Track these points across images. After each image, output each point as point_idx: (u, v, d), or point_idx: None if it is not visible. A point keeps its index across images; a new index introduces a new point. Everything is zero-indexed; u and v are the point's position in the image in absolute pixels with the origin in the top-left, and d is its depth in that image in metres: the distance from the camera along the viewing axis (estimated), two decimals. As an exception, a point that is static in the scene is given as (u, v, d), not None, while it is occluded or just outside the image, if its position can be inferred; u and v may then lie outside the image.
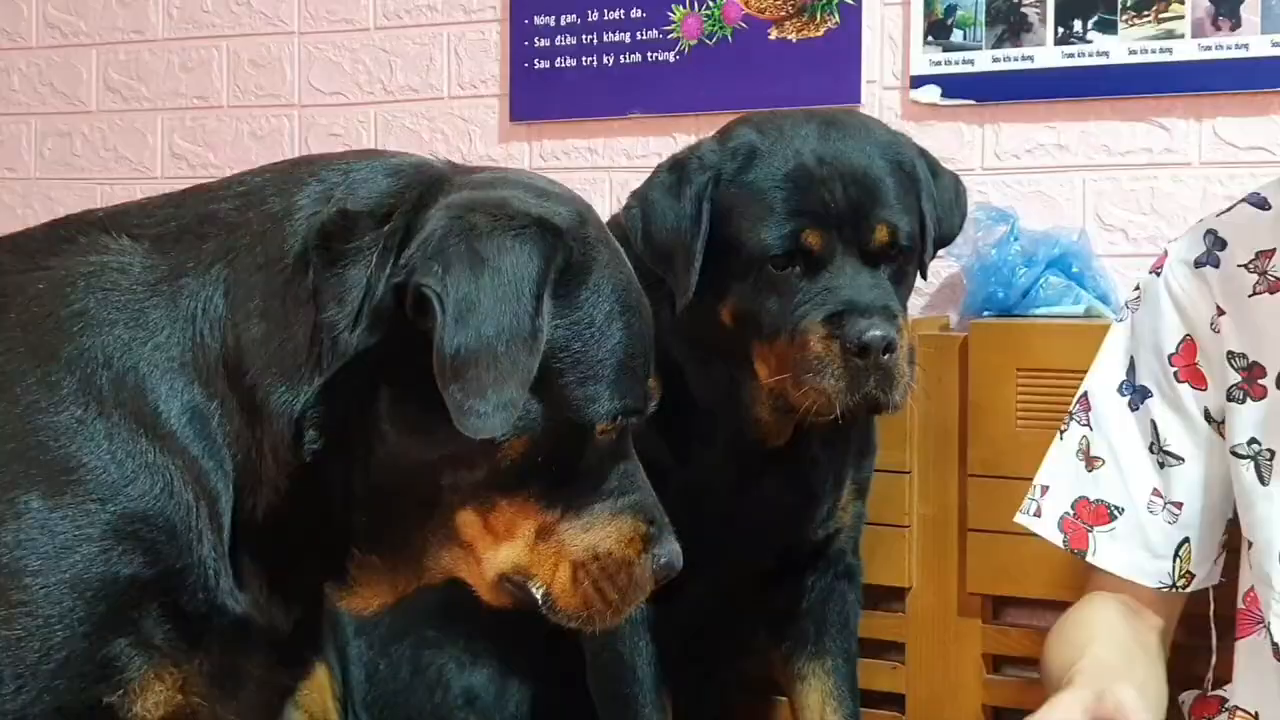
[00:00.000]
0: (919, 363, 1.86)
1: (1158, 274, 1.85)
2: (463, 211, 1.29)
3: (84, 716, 1.28)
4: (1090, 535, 1.85)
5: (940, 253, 2.36)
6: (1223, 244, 1.80)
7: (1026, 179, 2.47)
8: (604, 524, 1.36)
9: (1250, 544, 1.77)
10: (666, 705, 2.04)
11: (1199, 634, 1.94)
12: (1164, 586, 1.82)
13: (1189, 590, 1.84)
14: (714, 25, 2.64)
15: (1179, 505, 1.81)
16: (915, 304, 2.50)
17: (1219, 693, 1.88)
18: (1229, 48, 2.30)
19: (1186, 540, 1.81)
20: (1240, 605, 1.81)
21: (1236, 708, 1.81)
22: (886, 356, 1.79)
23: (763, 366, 1.86)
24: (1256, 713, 1.79)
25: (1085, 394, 1.89)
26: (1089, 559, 1.85)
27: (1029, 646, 2.26)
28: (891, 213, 1.86)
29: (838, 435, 2.01)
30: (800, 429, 1.93)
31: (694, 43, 2.67)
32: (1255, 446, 1.76)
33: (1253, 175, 2.17)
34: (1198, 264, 1.81)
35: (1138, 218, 2.40)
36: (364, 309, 1.29)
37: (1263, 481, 1.75)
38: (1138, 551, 1.82)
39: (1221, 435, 1.79)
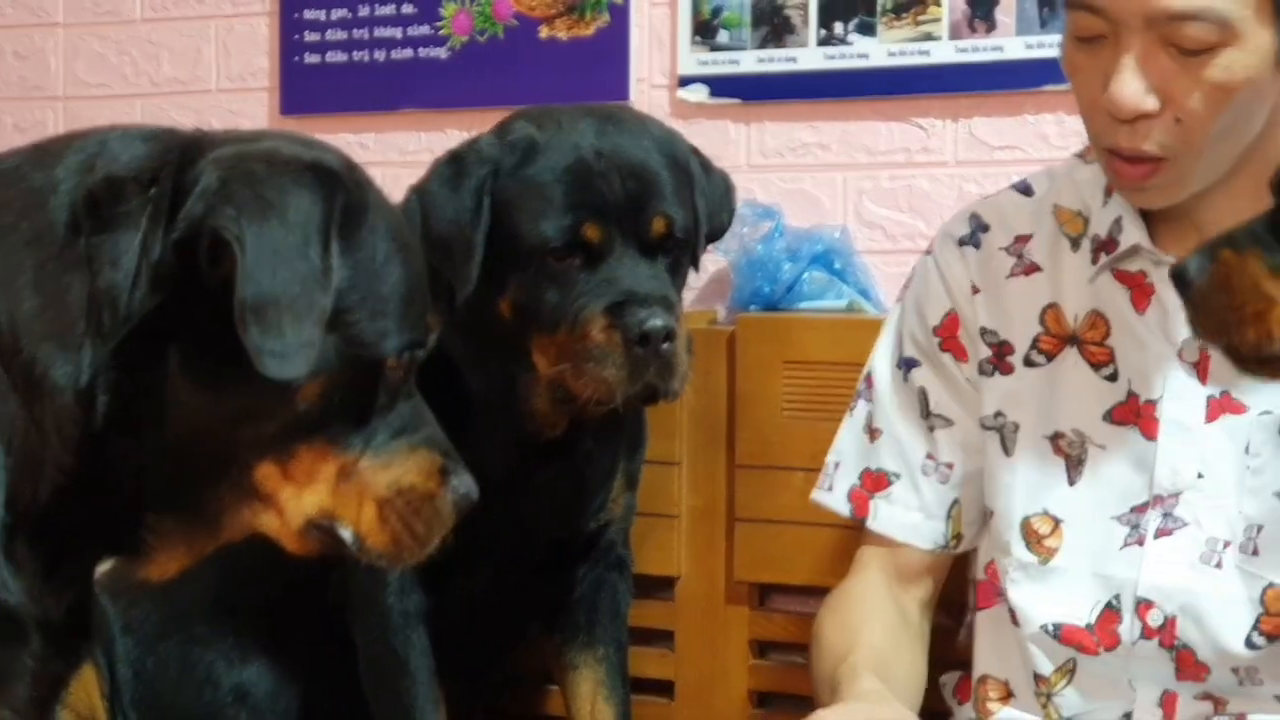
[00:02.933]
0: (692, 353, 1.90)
1: (930, 253, 1.91)
2: (236, 161, 1.29)
3: None
4: (871, 502, 1.92)
5: (708, 248, 2.41)
6: (985, 227, 1.88)
7: (790, 177, 2.52)
8: (403, 459, 1.38)
9: (992, 513, 1.84)
10: (439, 697, 2.04)
11: (958, 615, 2.01)
12: (938, 547, 1.89)
13: (959, 550, 1.91)
14: (485, 22, 2.66)
15: (950, 466, 1.88)
16: (684, 298, 2.53)
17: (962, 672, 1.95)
18: (984, 50, 2.38)
19: (957, 501, 1.88)
20: (981, 577, 1.88)
21: (987, 676, 1.88)
22: (666, 345, 1.83)
23: (542, 358, 1.88)
24: (1007, 680, 1.86)
25: (869, 373, 1.95)
26: (869, 524, 1.91)
27: (794, 632, 2.32)
28: (668, 205, 1.90)
29: (610, 427, 2.04)
30: (576, 421, 1.96)
31: (465, 39, 2.68)
32: (1001, 419, 1.83)
33: (1006, 174, 2.24)
34: (961, 243, 1.88)
35: (896, 215, 2.46)
36: (141, 270, 1.29)
37: (1006, 452, 1.82)
38: (914, 514, 1.89)
39: (976, 411, 1.86)
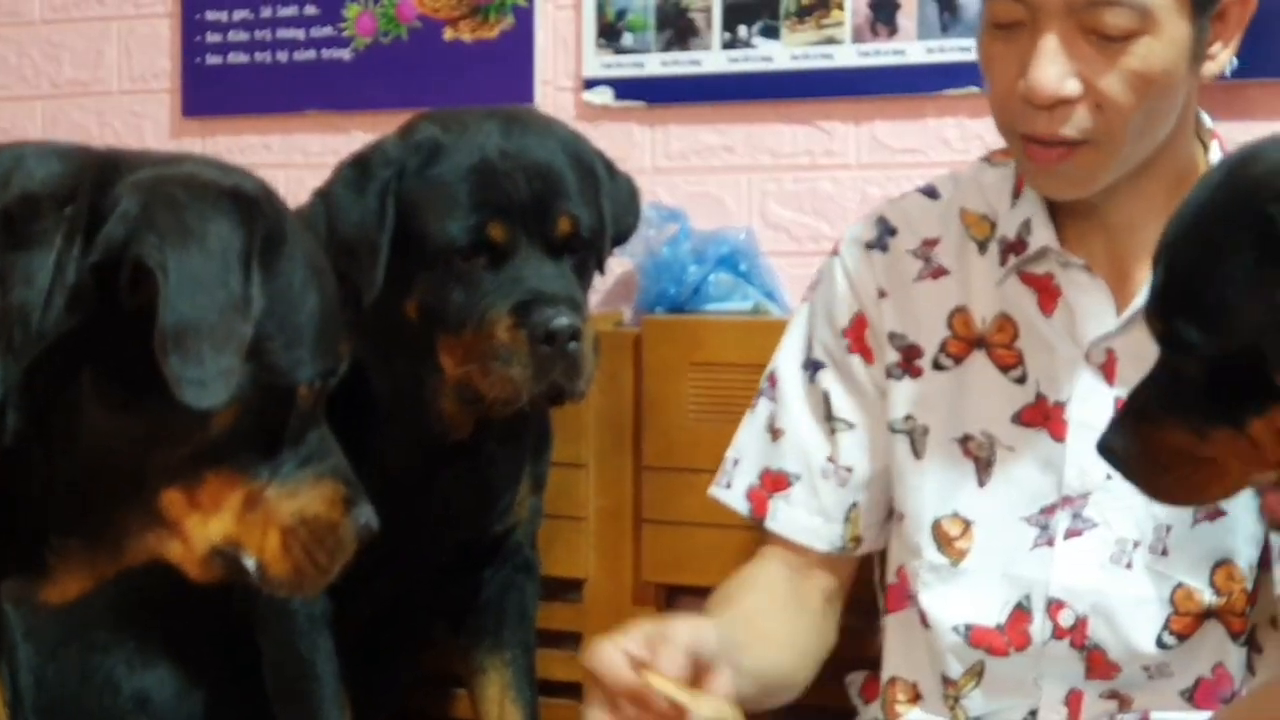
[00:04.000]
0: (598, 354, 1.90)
1: (837, 254, 1.92)
2: (156, 186, 1.28)
3: None
4: (770, 502, 1.92)
5: (615, 251, 2.41)
6: (893, 230, 1.89)
7: (695, 179, 2.53)
8: (309, 489, 1.37)
9: (902, 516, 1.85)
10: (346, 701, 2.03)
11: (866, 615, 2.02)
12: (835, 550, 1.90)
13: (858, 554, 1.92)
14: (388, 24, 2.65)
15: (849, 469, 1.88)
16: (590, 300, 2.53)
17: (869, 671, 1.97)
18: (886, 54, 2.40)
19: (856, 504, 1.89)
20: (892, 580, 1.90)
21: (896, 678, 1.89)
22: (573, 345, 1.83)
23: (448, 359, 1.88)
24: (916, 682, 1.87)
25: (773, 371, 1.95)
26: (767, 524, 1.92)
27: (701, 633, 2.33)
28: (574, 205, 1.91)
29: (516, 429, 2.04)
30: (481, 423, 1.96)
31: (369, 41, 2.67)
32: (910, 422, 1.84)
33: (908, 177, 2.26)
34: (868, 246, 1.89)
35: (800, 218, 2.48)
36: (55, 289, 1.28)
37: (916, 455, 1.83)
38: (812, 516, 1.89)
39: (882, 415, 1.88)
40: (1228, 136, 2.22)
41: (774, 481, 1.92)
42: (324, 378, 1.38)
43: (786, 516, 1.91)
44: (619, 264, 2.49)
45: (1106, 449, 1.43)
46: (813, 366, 1.91)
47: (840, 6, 2.42)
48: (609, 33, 2.53)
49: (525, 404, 1.86)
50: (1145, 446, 1.39)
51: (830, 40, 2.43)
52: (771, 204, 2.50)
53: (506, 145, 1.90)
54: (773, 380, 1.95)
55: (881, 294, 1.87)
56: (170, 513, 1.34)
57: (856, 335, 1.89)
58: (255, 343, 1.29)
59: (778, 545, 1.93)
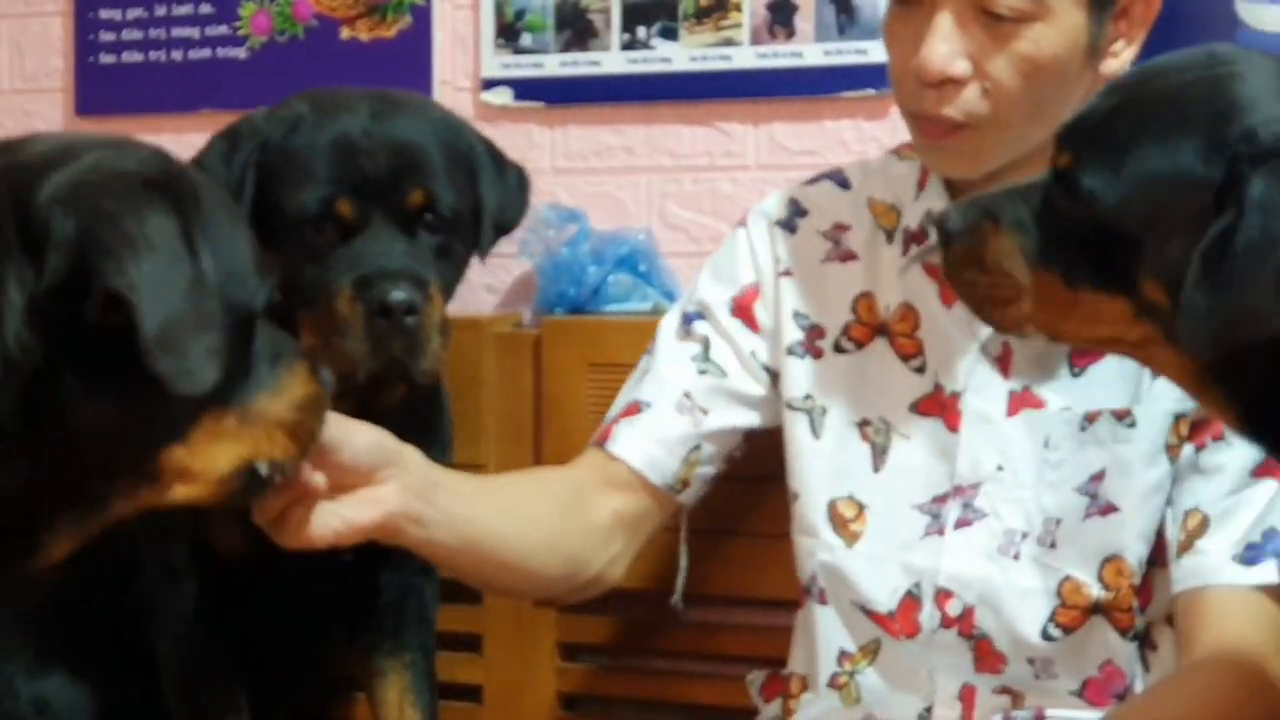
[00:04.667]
0: (452, 339, 1.91)
1: (744, 225, 1.93)
2: (79, 199, 1.29)
3: None
4: (615, 427, 1.90)
5: (513, 252, 2.41)
6: (804, 212, 1.91)
7: (595, 180, 2.53)
8: (288, 379, 1.42)
9: (797, 496, 1.86)
10: (243, 704, 2.02)
11: (768, 615, 2.03)
12: (664, 484, 1.88)
13: (679, 499, 1.90)
14: (284, 23, 2.63)
15: (705, 411, 1.88)
16: (488, 302, 2.54)
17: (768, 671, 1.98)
18: (784, 56, 2.41)
19: (699, 448, 1.88)
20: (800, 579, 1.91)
21: (792, 674, 1.91)
22: (410, 319, 1.82)
23: (307, 335, 1.87)
24: (807, 675, 1.89)
25: (657, 334, 1.96)
26: (608, 447, 1.89)
27: (603, 635, 2.34)
28: (432, 181, 1.90)
29: (409, 424, 2.02)
30: (370, 414, 1.94)
31: (265, 40, 2.65)
32: (810, 402, 1.85)
33: (806, 178, 2.26)
34: (778, 224, 1.90)
35: (700, 218, 2.48)
36: (7, 320, 1.28)
37: (815, 435, 1.85)
38: (653, 445, 1.88)
39: (756, 379, 1.88)
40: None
41: (627, 410, 1.91)
42: (272, 294, 1.42)
43: (626, 439, 1.89)
44: (517, 264, 2.50)
45: (940, 216, 1.44)
46: (694, 316, 1.92)
47: (738, 8, 2.43)
48: (508, 33, 2.53)
49: (362, 380, 1.84)
50: (974, 239, 1.40)
51: (728, 42, 2.44)
52: (671, 205, 2.50)
53: (371, 123, 1.90)
54: (655, 340, 1.96)
55: (786, 273, 1.88)
56: (175, 465, 1.35)
57: (746, 304, 1.90)
58: (218, 295, 1.33)
59: (599, 456, 1.90)
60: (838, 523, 1.83)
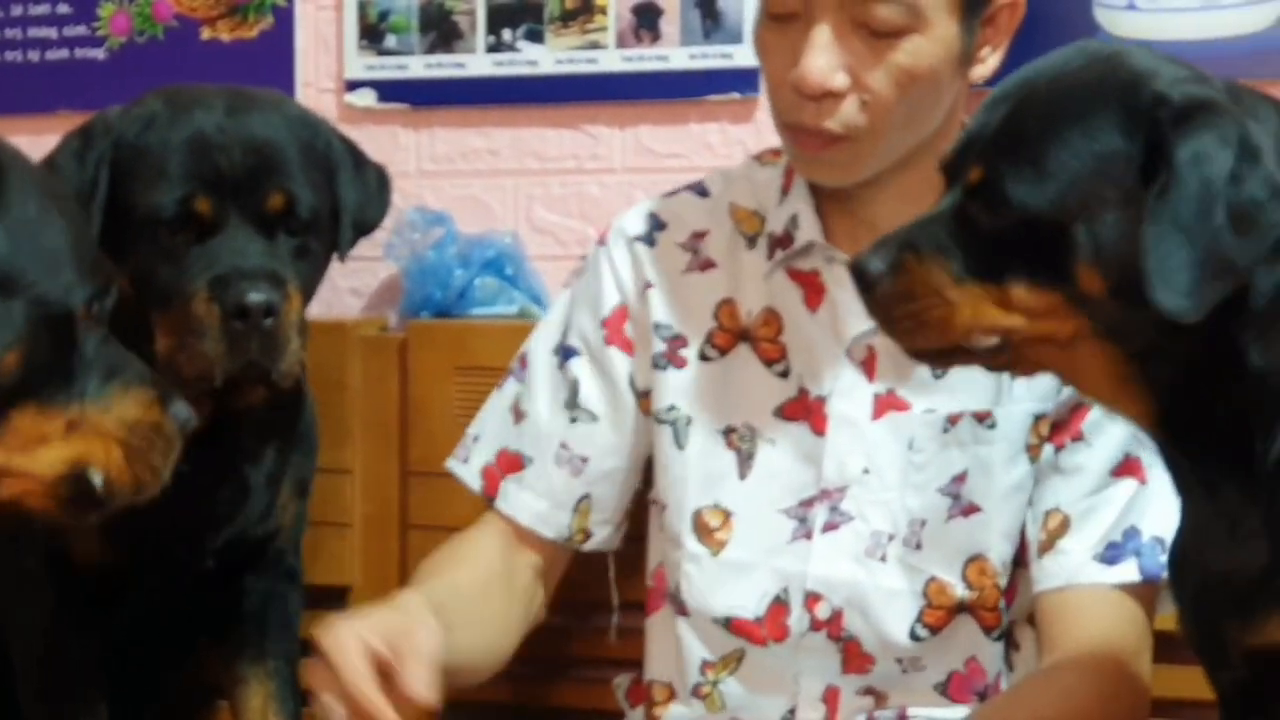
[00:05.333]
0: (307, 338, 1.89)
1: (603, 244, 1.93)
2: None
3: None
4: (502, 483, 1.91)
5: (379, 254, 2.40)
6: (662, 225, 1.90)
7: (461, 183, 2.52)
8: (120, 399, 1.39)
9: (664, 506, 1.86)
10: (103, 715, 1.99)
11: (636, 617, 2.02)
12: (561, 538, 1.90)
13: (586, 548, 1.91)
14: (144, 23, 2.60)
15: (584, 460, 1.88)
16: (353, 305, 2.53)
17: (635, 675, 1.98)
18: (650, 59, 2.42)
19: (588, 496, 1.89)
20: (650, 584, 1.91)
21: (654, 680, 1.90)
22: (269, 321, 1.80)
23: (162, 337, 1.85)
24: (670, 682, 1.89)
25: (525, 353, 1.95)
26: (497, 505, 1.91)
27: (469, 638, 2.32)
28: (290, 182, 1.88)
29: (271, 428, 2.01)
30: (230, 416, 1.92)
31: (124, 40, 2.61)
32: (674, 412, 1.85)
33: (673, 181, 2.25)
34: (636, 239, 1.90)
35: (567, 221, 2.48)
36: None
37: (679, 445, 1.85)
38: (540, 500, 1.89)
39: (641, 405, 1.88)
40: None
41: (509, 462, 1.91)
42: (98, 298, 1.39)
43: (516, 498, 1.90)
44: (383, 268, 2.48)
45: (858, 265, 1.44)
46: (565, 353, 1.91)
47: (603, 12, 2.43)
48: (371, 34, 2.51)
49: (218, 382, 1.82)
50: (899, 274, 1.41)
51: (594, 45, 2.44)
52: (537, 208, 2.50)
53: (227, 121, 1.88)
54: (523, 362, 1.95)
55: (648, 285, 1.88)
56: None
57: (616, 326, 1.89)
58: (10, 280, 1.30)
59: (499, 517, 1.91)
60: (702, 531, 1.83)
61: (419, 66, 2.50)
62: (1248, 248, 1.26)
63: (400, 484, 2.33)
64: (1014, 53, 2.26)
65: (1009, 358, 1.42)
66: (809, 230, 1.81)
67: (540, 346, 1.94)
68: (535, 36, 2.46)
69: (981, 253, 1.37)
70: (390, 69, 2.52)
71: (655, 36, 2.41)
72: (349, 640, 1.53)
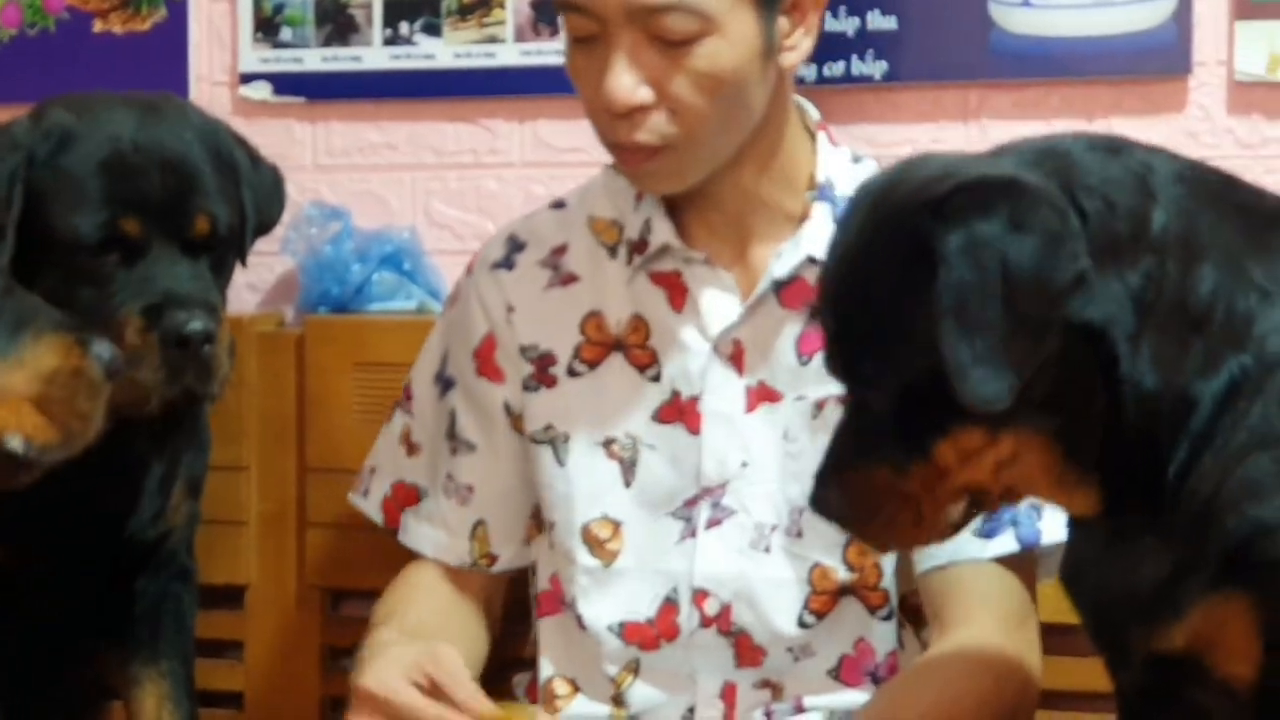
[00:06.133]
0: (236, 354, 1.89)
1: (470, 274, 1.93)
2: None
3: None
4: (402, 515, 1.94)
5: (275, 250, 2.38)
6: (521, 246, 1.91)
7: (358, 177, 2.51)
8: (35, 351, 1.35)
9: (553, 524, 1.86)
10: (-4, 717, 1.97)
11: (519, 620, 2.02)
12: (465, 565, 1.91)
13: (497, 570, 1.92)
14: (35, 15, 2.56)
15: (470, 489, 1.90)
16: (249, 300, 2.50)
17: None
18: (548, 53, 2.41)
19: (482, 522, 1.90)
20: (545, 587, 1.91)
21: (555, 675, 1.90)
22: (207, 348, 1.79)
23: None
24: (574, 677, 1.89)
25: (409, 384, 1.97)
26: (400, 538, 1.94)
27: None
28: (211, 202, 1.87)
29: (165, 430, 1.98)
30: (125, 421, 1.90)
31: (14, 33, 2.57)
32: (550, 431, 1.86)
33: (572, 176, 2.26)
34: (495, 266, 1.90)
35: (465, 216, 2.47)
36: None
37: (560, 464, 1.85)
38: (437, 531, 1.91)
39: (517, 429, 1.89)
40: (876, 139, 2.31)
41: (406, 495, 1.94)
42: None
43: (416, 530, 1.93)
44: (279, 263, 2.46)
45: (818, 503, 1.42)
46: (444, 383, 1.93)
47: (501, 6, 2.42)
48: (266, 27, 2.49)
49: (153, 408, 1.81)
50: (851, 493, 1.39)
51: (492, 39, 2.43)
52: (436, 202, 2.49)
53: (141, 137, 1.85)
54: (408, 393, 1.97)
55: (510, 309, 1.88)
56: None
57: (485, 356, 1.90)
58: None
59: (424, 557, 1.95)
60: (593, 544, 1.83)
61: (315, 59, 2.48)
62: (1040, 313, 1.25)
63: (298, 481, 2.32)
64: (910, 54, 2.31)
65: (986, 500, 1.40)
66: (662, 233, 1.81)
67: (422, 377, 1.96)
68: (433, 30, 2.45)
69: (899, 435, 1.35)
70: (285, 62, 2.49)
71: (554, 30, 2.40)
72: (391, 678, 1.60)
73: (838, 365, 1.38)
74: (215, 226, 1.86)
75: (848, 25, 2.33)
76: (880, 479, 1.37)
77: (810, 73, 2.31)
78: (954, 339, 1.25)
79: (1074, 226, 1.27)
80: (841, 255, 1.37)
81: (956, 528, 1.41)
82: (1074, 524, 1.44)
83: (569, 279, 1.87)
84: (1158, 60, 2.25)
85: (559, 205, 1.93)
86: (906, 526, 1.39)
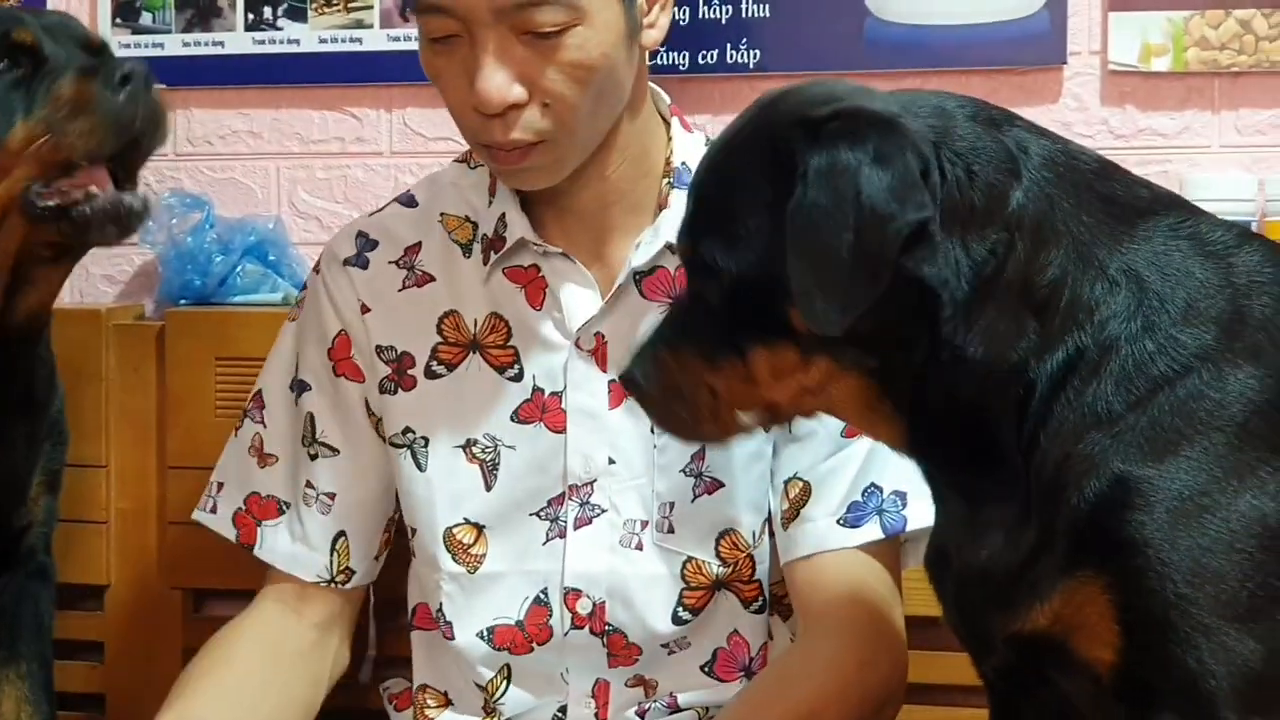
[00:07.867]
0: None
1: (318, 272, 1.88)
2: None
3: None
4: (259, 529, 1.86)
5: (134, 240, 2.31)
6: (373, 244, 1.86)
7: (220, 165, 2.46)
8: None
9: (415, 531, 1.83)
10: None
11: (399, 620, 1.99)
12: (321, 580, 1.85)
13: (350, 586, 1.87)
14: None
15: (331, 497, 1.84)
16: (108, 292, 2.46)
17: (404, 679, 1.93)
18: (414, 40, 2.36)
19: (343, 534, 1.85)
20: (417, 600, 1.87)
21: (427, 685, 1.87)
22: (153, 90, 1.76)
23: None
24: (445, 690, 1.85)
25: (259, 391, 1.90)
26: (256, 553, 1.87)
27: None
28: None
29: (20, 403, 1.93)
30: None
31: None
32: (410, 435, 1.81)
33: (440, 164, 2.22)
34: (347, 263, 1.86)
35: (332, 206, 2.44)
36: None
37: (420, 468, 1.81)
38: (297, 545, 1.85)
39: (378, 431, 1.84)
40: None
41: (262, 508, 1.87)
42: None
43: (273, 543, 1.86)
44: (138, 254, 2.42)
45: (625, 376, 1.44)
46: (298, 388, 1.87)
47: (369, -11, 2.39)
48: (126, 12, 2.44)
49: (106, 154, 1.75)
50: (662, 372, 1.41)
51: (359, 24, 2.39)
52: (301, 191, 2.45)
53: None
54: (258, 401, 1.90)
55: (365, 309, 1.84)
56: None
57: (342, 355, 1.85)
58: None
59: (274, 575, 1.88)
60: (457, 550, 1.80)
61: (175, 45, 2.44)
62: (877, 251, 1.26)
63: (158, 478, 2.28)
64: (784, 42, 2.30)
65: (781, 415, 1.41)
66: (518, 228, 1.78)
67: (274, 383, 1.89)
68: (297, 15, 2.40)
69: (723, 328, 1.36)
70: (146, 47, 2.45)
71: (422, 18, 2.37)
72: None
73: (686, 246, 1.39)
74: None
75: (721, 13, 2.32)
76: (692, 367, 1.38)
77: (684, 61, 2.30)
78: (800, 259, 1.27)
79: (933, 180, 1.29)
80: (720, 145, 1.39)
81: (745, 432, 1.43)
82: (939, 510, 1.44)
83: (424, 279, 1.83)
84: (1033, 50, 2.26)
85: (408, 202, 1.88)
86: (702, 420, 1.41)
